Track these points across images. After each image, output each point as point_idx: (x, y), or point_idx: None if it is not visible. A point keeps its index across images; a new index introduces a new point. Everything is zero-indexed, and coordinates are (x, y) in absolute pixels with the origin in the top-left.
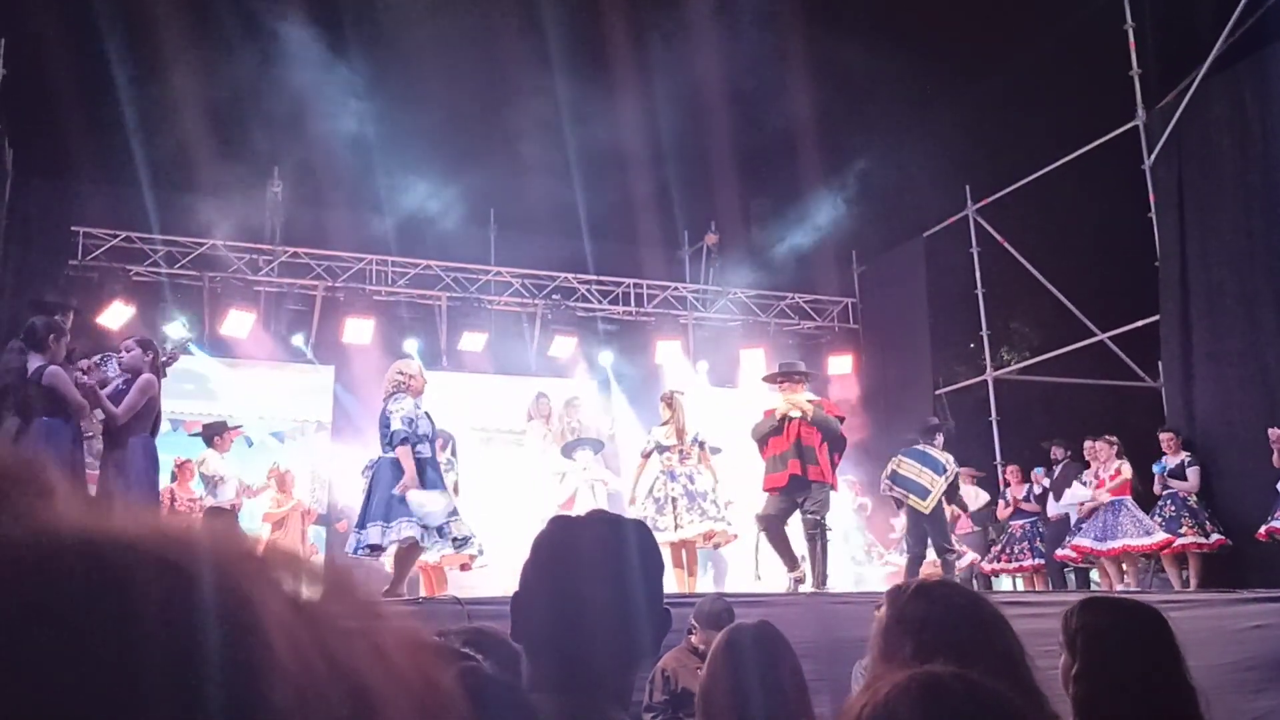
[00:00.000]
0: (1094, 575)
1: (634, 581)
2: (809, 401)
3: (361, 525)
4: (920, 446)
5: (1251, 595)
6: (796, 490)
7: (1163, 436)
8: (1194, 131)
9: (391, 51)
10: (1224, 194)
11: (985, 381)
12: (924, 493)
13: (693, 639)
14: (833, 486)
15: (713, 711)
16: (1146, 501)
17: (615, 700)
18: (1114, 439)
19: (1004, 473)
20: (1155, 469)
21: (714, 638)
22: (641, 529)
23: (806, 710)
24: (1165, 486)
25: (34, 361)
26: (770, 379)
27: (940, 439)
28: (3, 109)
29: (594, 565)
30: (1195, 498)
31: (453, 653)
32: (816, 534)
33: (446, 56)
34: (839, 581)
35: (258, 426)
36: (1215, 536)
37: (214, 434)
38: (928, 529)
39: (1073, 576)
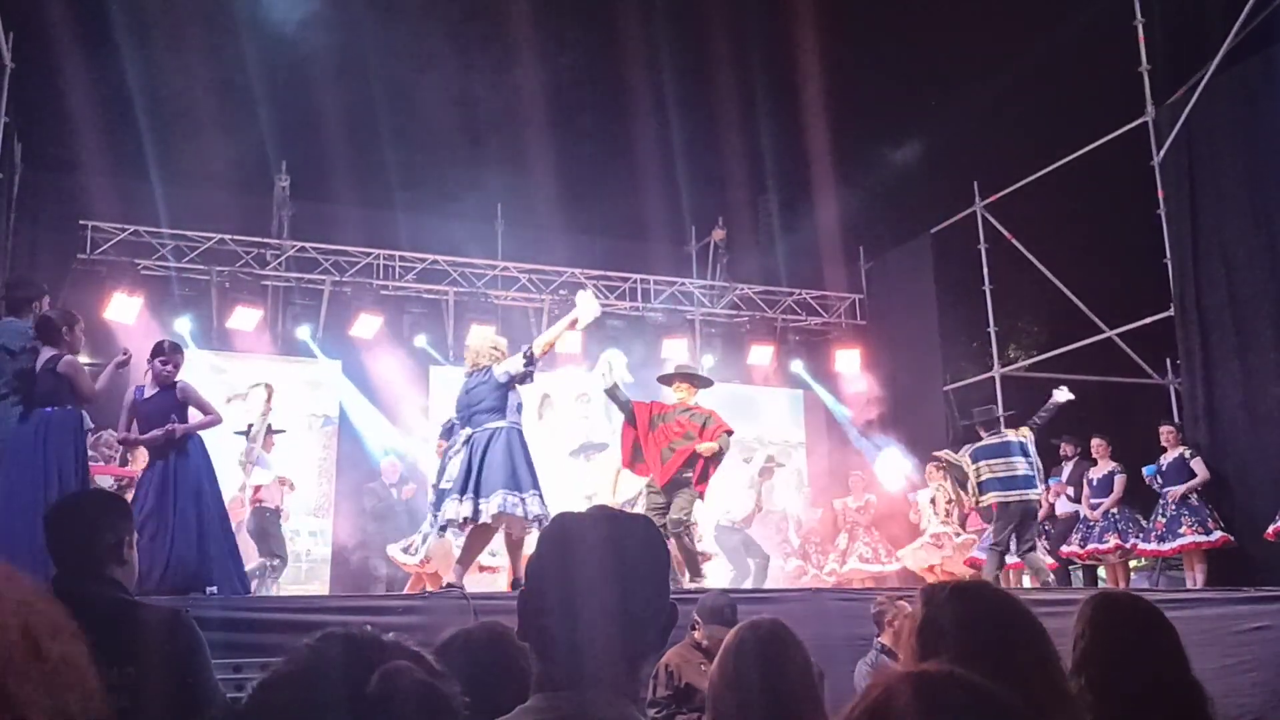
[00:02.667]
0: (1101, 573)
1: (639, 576)
2: (698, 407)
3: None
4: (990, 442)
5: (1254, 594)
6: (671, 489)
7: (1162, 430)
8: (1203, 128)
9: (399, 49)
10: (1234, 190)
11: (992, 378)
12: (1031, 483)
13: (696, 635)
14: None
15: (722, 709)
16: (1143, 502)
17: (625, 695)
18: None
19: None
20: (1146, 472)
21: (717, 633)
22: (646, 524)
23: (818, 709)
24: (1158, 487)
25: (45, 353)
26: (665, 380)
27: (1002, 423)
28: (11, 102)
29: (599, 561)
30: (1197, 495)
31: (379, 646)
32: (681, 532)
33: (455, 51)
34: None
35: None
36: (1218, 534)
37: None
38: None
39: (1080, 574)
